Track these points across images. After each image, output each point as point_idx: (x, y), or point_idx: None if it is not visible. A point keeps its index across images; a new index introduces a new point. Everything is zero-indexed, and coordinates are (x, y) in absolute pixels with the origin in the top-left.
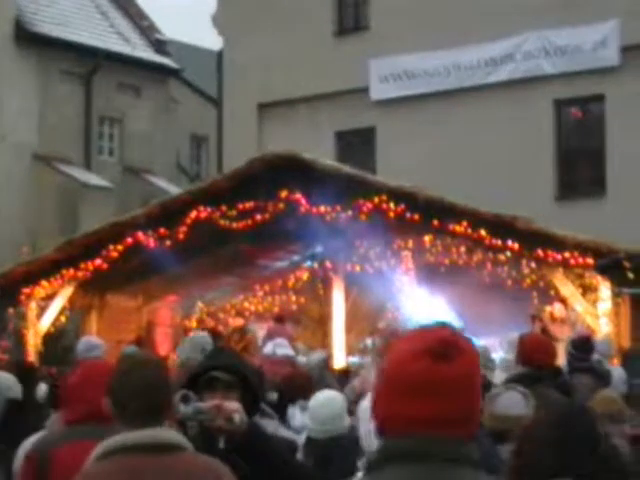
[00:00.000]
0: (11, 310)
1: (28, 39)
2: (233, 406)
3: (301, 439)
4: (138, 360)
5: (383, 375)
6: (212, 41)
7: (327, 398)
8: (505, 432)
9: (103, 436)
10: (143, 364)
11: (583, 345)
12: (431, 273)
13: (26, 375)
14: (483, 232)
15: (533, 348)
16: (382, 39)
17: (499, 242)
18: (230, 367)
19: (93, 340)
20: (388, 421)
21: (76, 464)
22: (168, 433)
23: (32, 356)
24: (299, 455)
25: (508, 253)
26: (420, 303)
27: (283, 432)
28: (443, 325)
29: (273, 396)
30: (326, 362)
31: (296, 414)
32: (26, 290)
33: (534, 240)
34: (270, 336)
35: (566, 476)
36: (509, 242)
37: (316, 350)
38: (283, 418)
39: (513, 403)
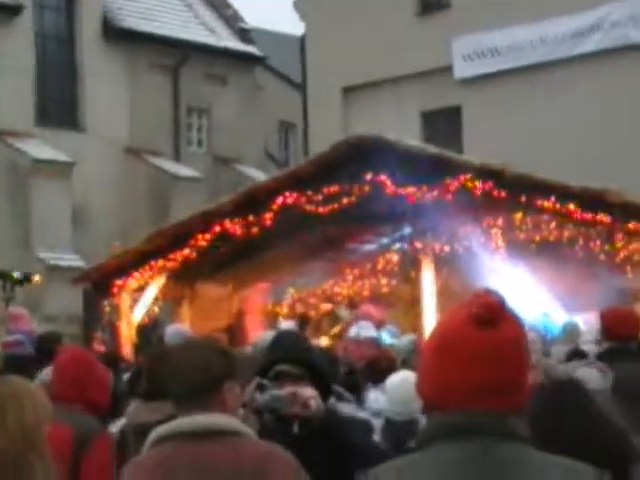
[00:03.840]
0: (105, 303)
1: (115, 35)
2: (309, 392)
3: (378, 422)
4: (187, 344)
5: (428, 346)
6: (294, 27)
7: (403, 380)
8: None
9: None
10: (188, 346)
11: None
12: (522, 250)
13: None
14: (572, 206)
15: (614, 322)
16: (464, 16)
17: (589, 216)
18: (297, 359)
19: (181, 328)
20: (433, 394)
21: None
22: (216, 418)
23: (126, 347)
24: (376, 437)
25: (599, 227)
26: (512, 281)
27: (360, 415)
28: (488, 291)
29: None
30: (415, 345)
31: (379, 397)
32: (118, 282)
33: (625, 213)
34: (356, 320)
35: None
36: (600, 216)
37: (406, 332)
38: (355, 396)
39: (589, 378)
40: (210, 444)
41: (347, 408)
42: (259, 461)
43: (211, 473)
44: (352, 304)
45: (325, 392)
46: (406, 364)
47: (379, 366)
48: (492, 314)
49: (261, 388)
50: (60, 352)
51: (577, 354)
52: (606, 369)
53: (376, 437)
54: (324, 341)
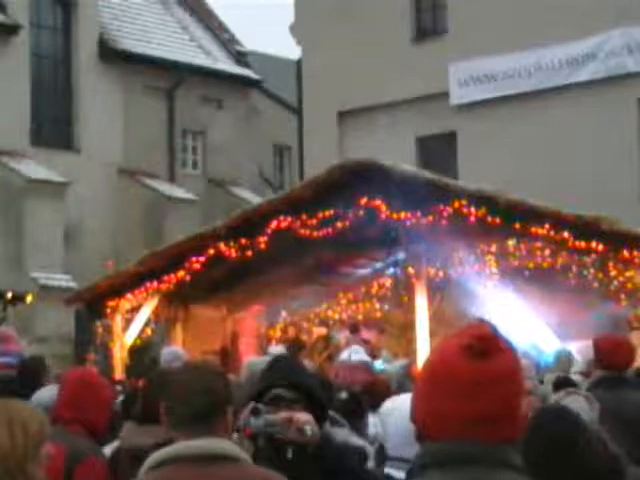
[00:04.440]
0: (97, 323)
1: (111, 56)
2: (304, 418)
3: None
4: (188, 367)
5: (421, 375)
6: (291, 51)
7: (396, 405)
8: None
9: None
10: (191, 370)
11: None
12: (515, 277)
13: None
14: (566, 234)
15: (608, 350)
16: (460, 42)
17: (583, 244)
18: (292, 383)
19: (177, 350)
20: (426, 422)
21: None
22: (218, 443)
23: (119, 369)
24: (371, 463)
25: (593, 255)
26: (505, 307)
27: (353, 440)
28: (482, 322)
29: (342, 395)
30: (407, 370)
31: (377, 422)
32: (111, 303)
33: (619, 241)
34: (347, 344)
35: None
36: (593, 244)
37: (399, 358)
38: (354, 420)
39: (577, 407)
40: (210, 468)
41: (341, 433)
42: None
43: None
44: (352, 328)
45: (320, 417)
46: (401, 389)
47: (375, 391)
48: (485, 345)
49: (256, 412)
50: (66, 373)
51: (566, 383)
52: (593, 399)
53: (370, 463)
54: (315, 364)
